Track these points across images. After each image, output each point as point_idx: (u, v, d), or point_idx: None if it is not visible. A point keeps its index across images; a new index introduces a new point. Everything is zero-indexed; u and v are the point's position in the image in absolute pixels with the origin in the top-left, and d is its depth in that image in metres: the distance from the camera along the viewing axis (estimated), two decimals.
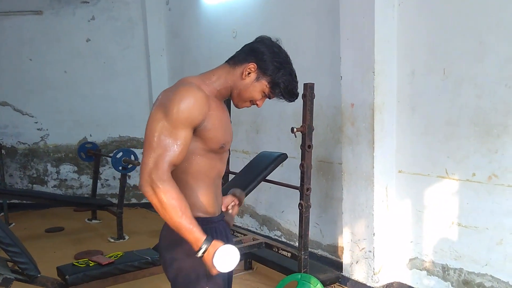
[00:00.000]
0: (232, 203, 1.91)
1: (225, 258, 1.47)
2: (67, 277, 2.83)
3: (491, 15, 2.80)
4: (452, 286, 3.11)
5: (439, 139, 3.13)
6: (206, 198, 1.67)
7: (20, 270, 2.72)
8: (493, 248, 2.87)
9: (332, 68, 3.84)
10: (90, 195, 6.24)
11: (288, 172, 4.25)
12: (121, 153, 5.14)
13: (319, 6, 3.96)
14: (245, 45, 1.73)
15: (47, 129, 6.75)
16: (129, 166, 5.16)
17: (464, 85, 2.97)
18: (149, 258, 3.14)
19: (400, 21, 3.28)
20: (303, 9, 4.13)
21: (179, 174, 1.59)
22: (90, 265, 3.01)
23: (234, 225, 4.70)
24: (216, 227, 1.71)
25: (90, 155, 6.13)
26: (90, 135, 6.72)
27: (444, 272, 3.16)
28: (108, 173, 6.76)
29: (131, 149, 5.54)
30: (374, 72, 3.26)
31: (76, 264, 3.03)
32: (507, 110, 2.76)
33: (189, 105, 1.51)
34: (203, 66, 5.74)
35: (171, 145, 1.50)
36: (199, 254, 1.49)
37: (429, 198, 3.21)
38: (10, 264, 2.82)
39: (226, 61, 1.72)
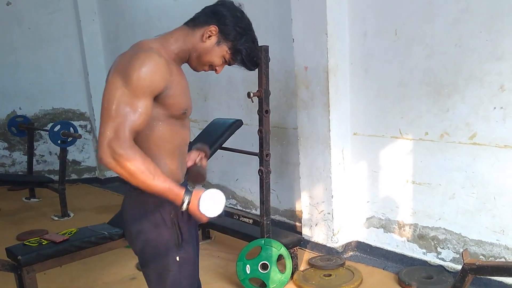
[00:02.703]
0: (199, 157, 1.86)
1: (210, 203, 1.46)
2: (19, 257, 2.65)
3: None
4: (408, 241, 3.26)
5: (392, 100, 3.19)
6: (170, 167, 1.60)
7: None
8: (446, 202, 3.02)
9: (281, 31, 3.77)
10: (25, 173, 5.84)
11: (240, 139, 4.17)
12: (59, 126, 4.82)
13: None
14: (206, 7, 1.64)
15: None
16: (68, 140, 4.86)
17: (415, 46, 3.02)
18: (106, 233, 3.00)
19: None
20: None
21: (140, 143, 1.50)
22: (43, 243, 2.83)
23: None
24: None
25: (22, 129, 5.69)
26: (20, 108, 6.24)
27: (400, 228, 3.30)
28: (43, 148, 6.35)
29: (69, 121, 5.20)
30: (327, 34, 3.24)
31: (27, 244, 2.84)
32: (457, 69, 2.85)
33: (151, 72, 1.42)
34: (139, 31, 5.45)
35: (132, 114, 1.41)
36: (184, 207, 1.46)
37: (384, 159, 3.30)
38: None
39: (185, 23, 1.63)
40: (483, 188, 2.83)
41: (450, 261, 3.05)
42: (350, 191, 3.50)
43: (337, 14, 3.26)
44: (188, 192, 1.47)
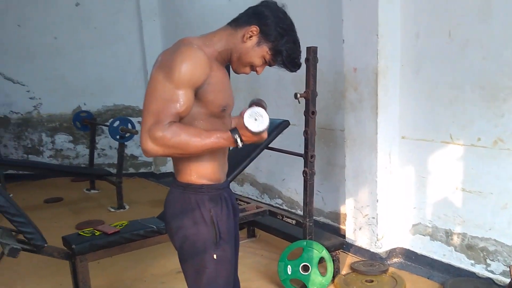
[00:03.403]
0: None
1: (255, 121, 1.43)
2: (73, 246, 2.79)
3: None
4: (455, 250, 3.13)
5: (444, 103, 3.08)
6: (211, 165, 1.63)
7: (27, 240, 2.67)
8: (498, 212, 2.87)
9: (332, 31, 3.74)
10: (87, 165, 6.18)
11: (288, 139, 4.19)
12: (118, 122, 5.06)
13: None
14: (249, 8, 1.64)
15: (39, 98, 6.63)
16: (126, 135, 5.09)
17: (470, 47, 2.89)
18: (155, 227, 3.09)
19: None
20: None
21: None
22: (96, 234, 2.96)
23: (235, 193, 4.69)
24: (221, 195, 1.68)
25: (85, 124, 6.02)
26: (84, 104, 6.60)
27: (447, 237, 3.17)
28: (104, 142, 6.69)
29: (127, 117, 5.44)
30: (377, 35, 3.17)
31: (81, 233, 2.99)
32: None
33: (191, 65, 1.45)
34: (196, 30, 5.57)
35: (173, 104, 1.44)
36: (239, 144, 1.48)
37: (433, 164, 3.18)
38: (15, 234, 2.79)
39: (228, 23, 1.64)
40: None
41: (500, 274, 2.89)
42: (396, 196, 3.41)
43: (389, 14, 3.19)
44: (234, 130, 1.47)
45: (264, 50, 1.59)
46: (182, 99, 1.45)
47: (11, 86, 6.52)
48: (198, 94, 1.51)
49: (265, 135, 1.48)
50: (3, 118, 6.58)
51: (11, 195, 5.57)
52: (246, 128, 1.42)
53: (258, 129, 1.43)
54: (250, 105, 1.81)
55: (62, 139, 6.74)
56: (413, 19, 3.16)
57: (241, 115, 1.44)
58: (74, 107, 6.61)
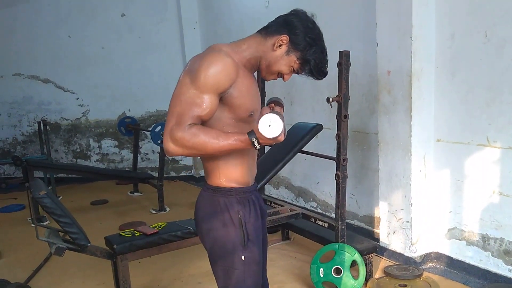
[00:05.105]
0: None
1: (269, 127, 1.45)
2: (114, 246, 2.92)
3: None
4: (492, 256, 3.05)
5: (480, 105, 3.01)
6: (240, 169, 1.68)
7: (71, 240, 2.82)
8: None
9: (366, 35, 3.73)
10: (131, 169, 6.41)
11: (323, 143, 4.21)
12: (159, 127, 5.22)
13: None
14: (279, 16, 1.68)
15: (87, 105, 6.96)
16: None
17: (507, 47, 2.82)
18: (191, 228, 3.16)
19: None
20: None
21: None
22: (136, 235, 3.08)
23: (270, 196, 4.73)
24: (249, 197, 1.72)
25: (129, 129, 6.27)
26: (129, 110, 6.85)
27: (484, 242, 3.09)
28: (147, 147, 6.91)
29: None
30: (411, 37, 3.15)
31: (122, 234, 3.11)
32: None
33: (216, 71, 1.50)
34: (235, 37, 5.60)
35: (196, 107, 1.50)
36: (257, 146, 1.50)
37: (469, 167, 3.12)
38: (61, 234, 2.95)
39: (258, 31, 1.68)
40: None
41: None
42: (431, 199, 3.35)
43: (424, 16, 3.16)
44: (251, 133, 1.49)
45: (293, 59, 1.63)
46: (205, 103, 1.50)
47: (62, 94, 6.89)
48: (225, 99, 1.56)
49: (281, 138, 1.49)
50: (54, 125, 6.94)
51: (60, 197, 5.90)
52: (261, 134, 1.47)
53: (272, 135, 1.46)
54: (268, 103, 1.84)
55: (108, 144, 7.03)
56: (448, 20, 3.12)
57: (256, 121, 1.48)
58: (119, 113, 6.87)
